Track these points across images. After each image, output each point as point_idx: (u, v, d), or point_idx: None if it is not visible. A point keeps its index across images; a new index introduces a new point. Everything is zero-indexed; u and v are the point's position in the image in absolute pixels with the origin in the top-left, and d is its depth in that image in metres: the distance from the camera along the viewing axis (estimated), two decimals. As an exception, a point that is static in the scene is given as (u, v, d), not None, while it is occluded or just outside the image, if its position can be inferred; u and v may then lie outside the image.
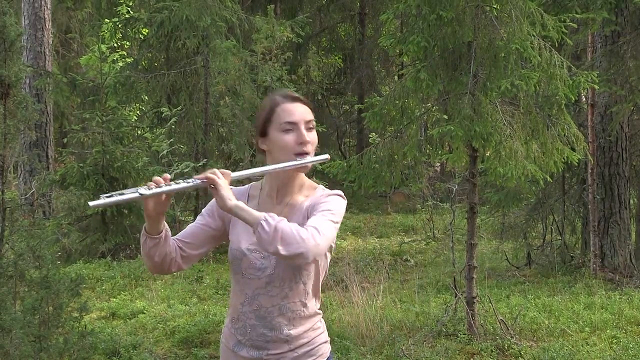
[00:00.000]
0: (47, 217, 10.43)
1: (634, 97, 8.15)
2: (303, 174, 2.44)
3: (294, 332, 2.37)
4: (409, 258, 10.14)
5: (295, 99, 2.39)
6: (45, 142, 11.66)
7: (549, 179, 5.91)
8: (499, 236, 10.15)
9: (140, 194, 2.17)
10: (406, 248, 10.89)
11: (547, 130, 5.96)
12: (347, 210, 2.47)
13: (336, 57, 20.22)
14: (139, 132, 12.67)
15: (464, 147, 5.98)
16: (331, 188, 2.55)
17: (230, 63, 10.16)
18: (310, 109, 2.41)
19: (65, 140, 14.18)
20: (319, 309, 2.47)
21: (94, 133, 10.15)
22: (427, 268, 9.51)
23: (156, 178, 2.24)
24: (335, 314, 6.54)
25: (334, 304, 6.90)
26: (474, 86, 5.71)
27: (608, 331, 6.22)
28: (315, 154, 2.41)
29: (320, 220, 2.24)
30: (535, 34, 5.66)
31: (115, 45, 14.94)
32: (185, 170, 9.33)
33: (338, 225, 2.31)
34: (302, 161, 2.34)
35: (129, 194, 2.16)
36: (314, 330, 2.43)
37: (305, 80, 16.09)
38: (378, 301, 6.78)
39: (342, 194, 2.40)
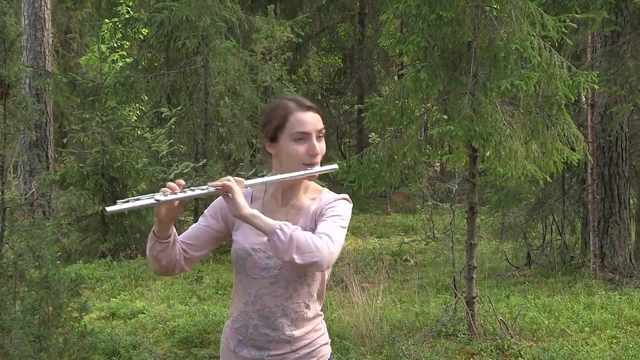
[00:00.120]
0: (47, 217, 10.43)
1: (634, 97, 8.15)
2: None
3: (296, 333, 2.37)
4: (408, 258, 10.15)
5: (308, 108, 2.38)
6: (45, 142, 11.66)
7: (548, 179, 5.91)
8: (499, 236, 10.15)
9: (156, 200, 2.19)
10: (406, 248, 10.89)
11: (547, 130, 5.96)
12: (348, 211, 2.46)
13: (336, 57, 20.22)
14: (139, 132, 12.67)
15: (463, 147, 5.98)
16: (331, 188, 2.56)
17: (230, 63, 10.16)
18: (320, 116, 2.41)
19: (65, 140, 14.19)
20: (320, 311, 2.47)
21: (94, 133, 10.16)
22: (427, 268, 9.51)
23: (170, 184, 2.24)
24: (335, 314, 6.54)
25: (334, 304, 6.90)
26: (474, 86, 5.71)
27: (608, 331, 6.22)
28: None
29: (331, 227, 2.26)
30: (535, 34, 5.66)
31: (115, 45, 14.95)
32: (185, 171, 9.32)
33: (346, 230, 2.33)
34: (312, 171, 2.36)
35: (145, 200, 2.18)
36: (316, 332, 2.43)
37: (305, 80, 16.07)
38: (378, 301, 6.78)
39: (348, 197, 2.42)
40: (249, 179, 2.50)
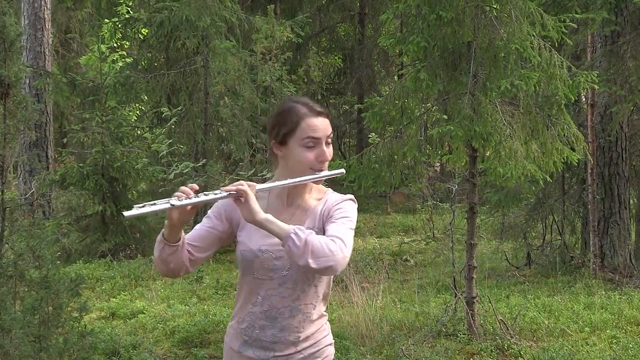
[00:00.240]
0: (47, 217, 10.43)
1: (634, 97, 8.15)
2: None
3: (302, 334, 2.39)
4: (408, 258, 10.14)
5: (319, 113, 2.38)
6: (45, 142, 11.65)
7: (548, 179, 5.91)
8: (499, 236, 10.15)
9: (171, 204, 2.20)
10: (406, 248, 10.89)
11: (547, 130, 5.96)
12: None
13: (336, 57, 20.22)
14: (139, 132, 12.68)
15: (463, 147, 5.98)
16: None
17: (229, 63, 10.16)
18: (330, 120, 2.42)
19: (65, 140, 14.19)
20: (324, 311, 2.48)
21: (94, 133, 10.16)
22: (427, 268, 9.51)
23: (184, 188, 2.24)
24: (335, 314, 6.54)
25: (334, 304, 6.90)
26: (474, 86, 5.71)
27: (608, 331, 6.22)
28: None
29: (342, 230, 2.27)
30: (535, 34, 5.66)
31: (115, 45, 14.95)
32: (185, 171, 9.32)
33: (354, 231, 2.35)
34: (319, 175, 2.37)
35: (161, 205, 2.19)
36: (320, 332, 2.45)
37: (305, 80, 16.08)
38: (378, 301, 6.78)
39: (354, 197, 2.43)
40: (255, 182, 2.50)
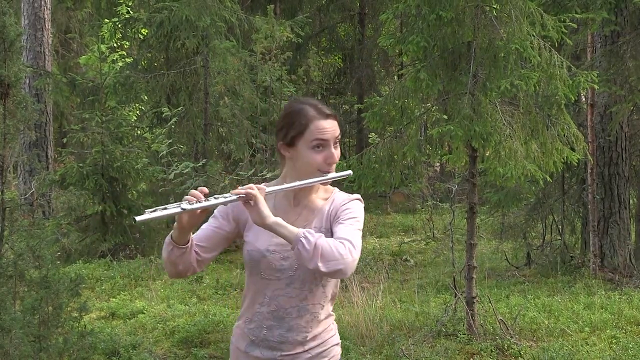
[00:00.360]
0: (47, 217, 10.43)
1: (634, 97, 8.15)
2: None
3: (310, 333, 2.40)
4: (408, 258, 10.14)
5: (328, 116, 2.38)
6: (44, 142, 11.65)
7: (548, 178, 5.90)
8: (499, 236, 10.15)
9: (182, 208, 2.21)
10: (406, 248, 10.89)
11: (547, 130, 5.96)
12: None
13: (336, 57, 20.22)
14: (139, 132, 12.67)
15: (463, 147, 5.98)
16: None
17: (229, 63, 10.16)
18: (338, 122, 2.42)
19: (64, 140, 14.19)
20: (332, 311, 2.51)
21: (94, 133, 10.16)
22: (426, 268, 9.51)
23: (194, 192, 2.25)
24: (335, 314, 6.53)
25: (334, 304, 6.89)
26: (474, 86, 5.71)
27: (608, 331, 6.22)
28: None
29: (351, 231, 2.27)
30: (535, 34, 5.66)
31: (115, 45, 14.96)
32: (184, 171, 9.32)
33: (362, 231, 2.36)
34: (327, 177, 2.38)
35: (172, 209, 2.21)
36: (328, 332, 2.47)
37: (305, 80, 16.07)
38: (378, 301, 6.78)
39: (360, 197, 2.44)
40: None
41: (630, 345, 5.75)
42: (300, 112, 2.37)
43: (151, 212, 2.18)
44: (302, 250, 2.17)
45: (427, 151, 7.66)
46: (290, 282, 2.36)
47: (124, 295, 7.72)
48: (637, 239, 9.17)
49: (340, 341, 2.52)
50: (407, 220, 13.44)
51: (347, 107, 20.55)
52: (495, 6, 5.84)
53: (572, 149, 6.06)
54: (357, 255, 2.23)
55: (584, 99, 9.44)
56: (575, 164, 6.96)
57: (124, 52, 15.97)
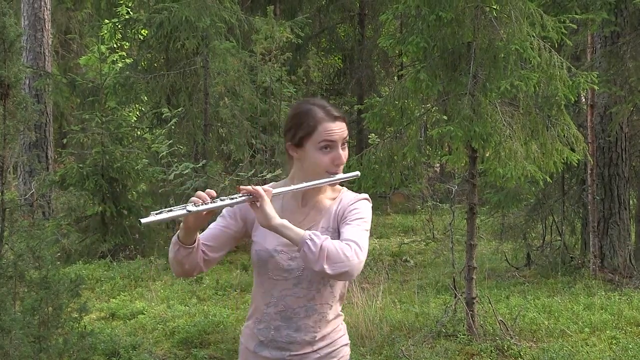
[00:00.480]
0: (47, 217, 10.44)
1: (634, 98, 8.15)
2: None
3: (318, 333, 2.39)
4: (408, 259, 10.14)
5: (336, 118, 2.38)
6: (44, 142, 11.65)
7: (548, 179, 5.90)
8: (499, 237, 10.15)
9: (188, 211, 2.21)
10: (406, 249, 10.89)
11: (547, 130, 5.96)
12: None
13: (336, 58, 20.20)
14: (139, 132, 12.67)
15: (463, 148, 5.98)
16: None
17: (229, 64, 10.16)
18: (346, 123, 2.42)
19: (64, 140, 14.18)
20: (340, 311, 2.49)
21: (94, 134, 10.16)
22: (426, 269, 9.51)
23: (201, 193, 2.25)
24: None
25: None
26: (474, 87, 5.71)
27: (608, 332, 6.22)
28: None
29: (357, 232, 2.28)
30: (534, 34, 5.66)
31: (115, 46, 14.95)
32: (184, 172, 9.32)
33: (369, 232, 2.36)
34: (334, 178, 2.38)
35: (177, 211, 2.21)
36: (337, 332, 2.45)
37: (305, 81, 16.06)
38: (378, 302, 6.78)
39: (368, 197, 2.43)
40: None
41: (630, 346, 5.75)
42: (309, 113, 2.37)
43: (156, 214, 2.19)
44: (308, 253, 2.17)
45: (427, 152, 7.66)
46: (297, 282, 2.36)
47: (124, 295, 7.72)
48: (637, 239, 9.17)
49: (349, 342, 2.51)
50: (407, 221, 13.44)
51: (347, 107, 20.54)
52: (495, 7, 5.84)
53: (572, 150, 6.06)
54: (363, 257, 2.23)
55: (583, 100, 9.44)
56: (575, 165, 6.97)
57: (124, 53, 15.97)
